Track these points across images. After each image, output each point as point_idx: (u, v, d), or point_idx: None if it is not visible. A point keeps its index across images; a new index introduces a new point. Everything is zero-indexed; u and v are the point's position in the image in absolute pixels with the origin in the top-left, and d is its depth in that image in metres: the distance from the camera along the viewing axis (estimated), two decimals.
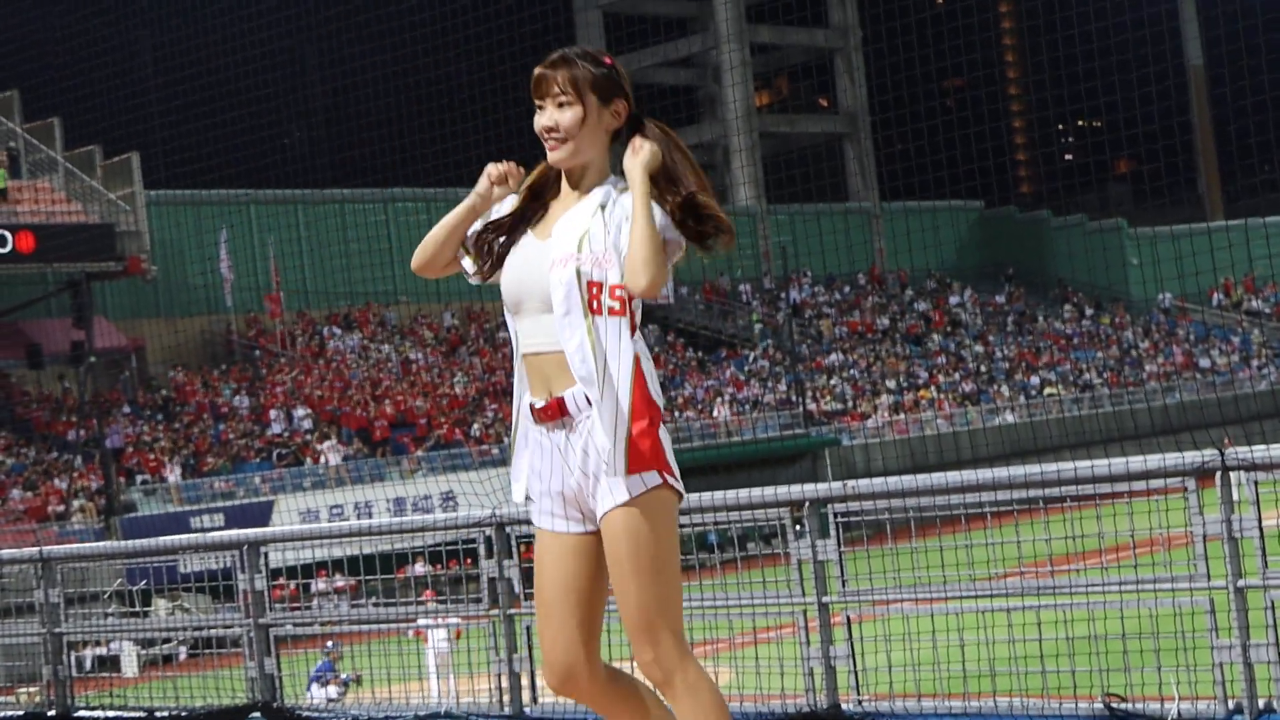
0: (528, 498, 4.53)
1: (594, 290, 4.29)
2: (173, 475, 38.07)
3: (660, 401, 4.38)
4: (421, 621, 10.67)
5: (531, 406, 4.41)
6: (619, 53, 68.10)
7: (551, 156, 4.40)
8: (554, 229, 4.38)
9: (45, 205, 39.76)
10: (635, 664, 4.37)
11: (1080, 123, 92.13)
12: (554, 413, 4.35)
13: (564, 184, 4.46)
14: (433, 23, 37.76)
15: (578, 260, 4.29)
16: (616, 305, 4.30)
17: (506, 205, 4.52)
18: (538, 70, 4.42)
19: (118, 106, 38.44)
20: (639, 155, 4.29)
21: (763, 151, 63.99)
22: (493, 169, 4.47)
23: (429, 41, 41.37)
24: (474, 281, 4.60)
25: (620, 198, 4.35)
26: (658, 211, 4.29)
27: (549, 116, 4.37)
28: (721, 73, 63.50)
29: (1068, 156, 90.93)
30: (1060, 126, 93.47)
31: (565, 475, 4.38)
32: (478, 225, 4.52)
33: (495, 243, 4.48)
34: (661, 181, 4.33)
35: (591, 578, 4.42)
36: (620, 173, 4.43)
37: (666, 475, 4.30)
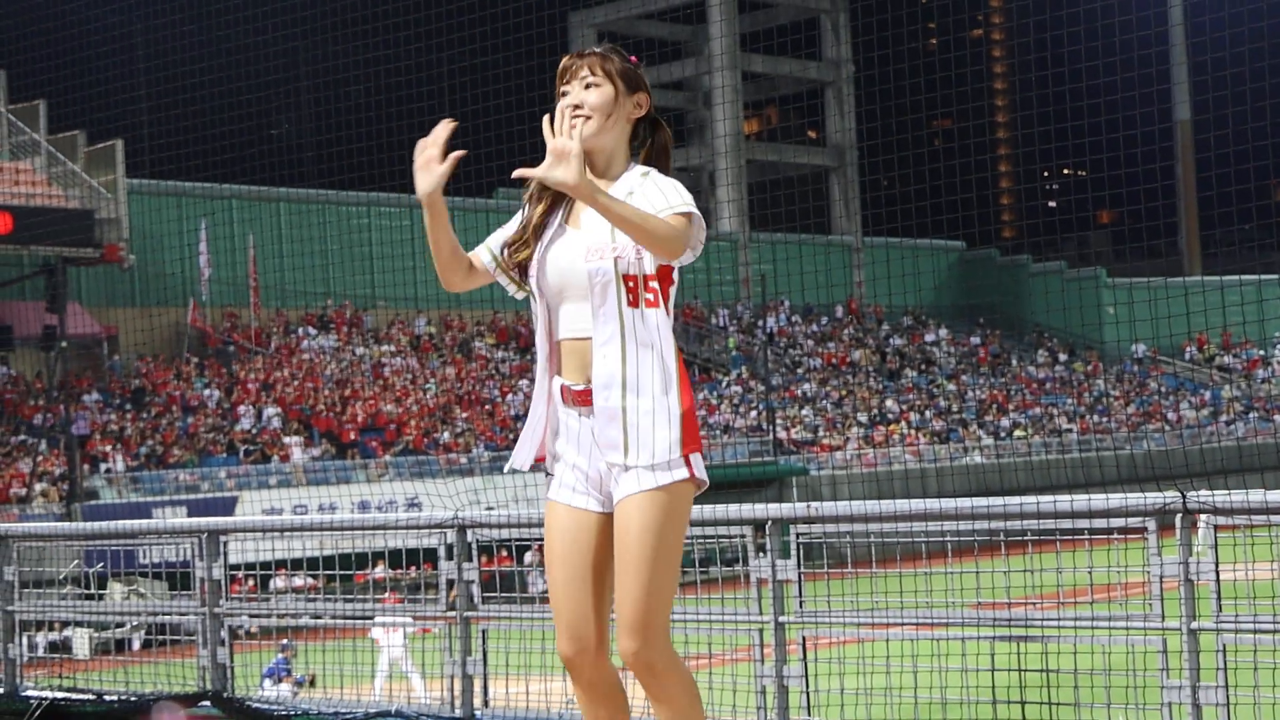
0: (546, 473, 4.54)
1: (630, 284, 4.34)
2: (114, 464, 37.89)
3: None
4: (377, 622, 10.65)
5: (565, 389, 4.44)
6: None
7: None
8: (583, 216, 4.42)
9: (25, 187, 39.61)
10: (619, 653, 4.38)
11: (1065, 170, 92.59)
12: (582, 398, 4.39)
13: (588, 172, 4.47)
14: (428, 35, 37.75)
15: (615, 250, 4.33)
16: (651, 297, 4.35)
17: (516, 220, 4.57)
18: (565, 60, 4.51)
19: (104, 92, 38.32)
20: (570, 169, 4.19)
21: (748, 179, 64.15)
22: (417, 159, 4.42)
23: (421, 47, 41.38)
24: (518, 296, 4.63)
25: (644, 184, 4.39)
26: (669, 182, 4.37)
27: (575, 96, 4.45)
28: (712, 98, 63.66)
29: (1051, 203, 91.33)
30: (1045, 173, 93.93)
31: (594, 457, 4.41)
32: (496, 241, 4.56)
33: (522, 255, 4.52)
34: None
35: (603, 556, 4.44)
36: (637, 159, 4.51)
37: (693, 467, 4.34)
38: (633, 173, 4.45)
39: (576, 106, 4.41)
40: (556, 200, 4.51)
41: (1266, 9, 36.73)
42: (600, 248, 4.34)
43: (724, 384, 52.57)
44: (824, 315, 60.20)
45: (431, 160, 4.41)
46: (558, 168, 4.20)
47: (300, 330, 47.54)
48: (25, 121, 40.99)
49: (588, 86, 4.44)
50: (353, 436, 41.57)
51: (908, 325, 61.60)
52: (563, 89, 4.48)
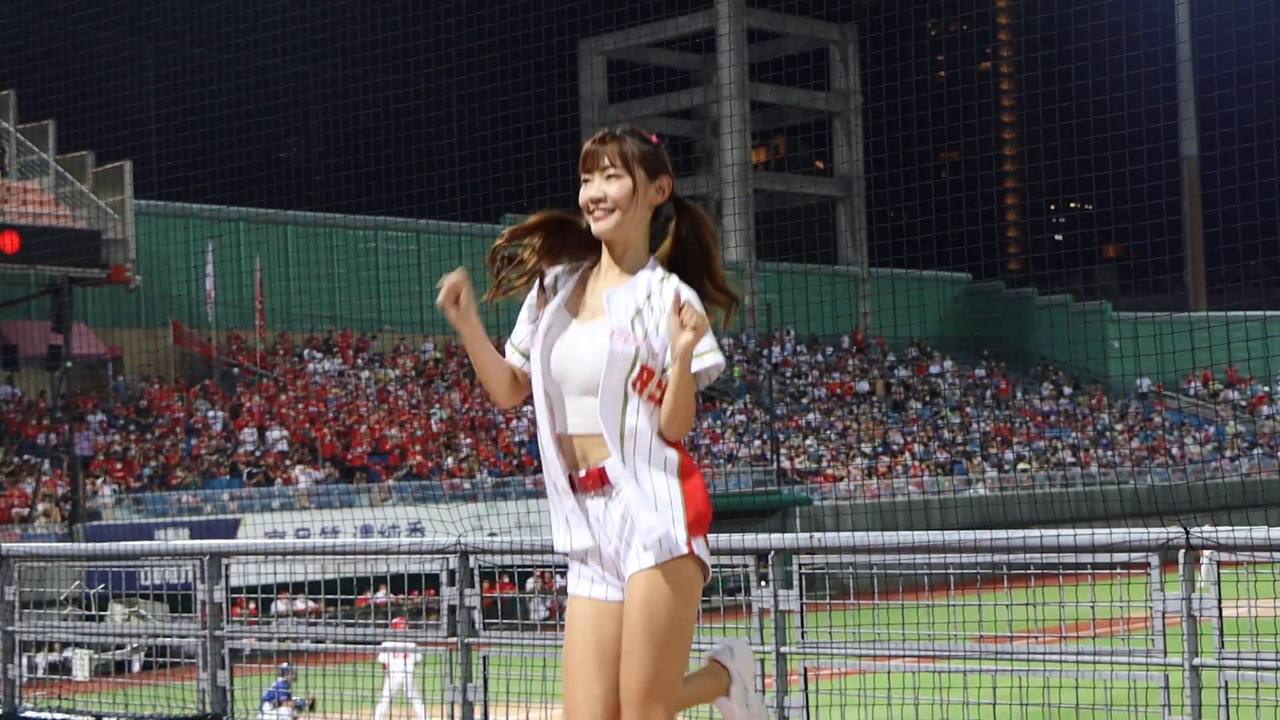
0: (570, 564, 4.55)
1: (645, 375, 4.35)
2: (121, 485, 37.89)
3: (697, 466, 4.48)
4: (385, 647, 10.64)
5: (572, 478, 4.44)
6: (620, 100, 68.58)
7: (597, 227, 4.44)
8: (607, 303, 4.41)
9: (33, 207, 39.69)
10: None
11: (1072, 204, 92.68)
12: (595, 481, 4.39)
13: (605, 258, 4.50)
14: (437, 61, 37.89)
15: (637, 341, 4.35)
16: (658, 394, 4.37)
17: (524, 319, 4.59)
18: (587, 145, 4.49)
19: (114, 113, 38.44)
20: (688, 334, 4.28)
21: (756, 208, 64.22)
22: (442, 299, 4.49)
23: (430, 73, 41.52)
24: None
25: (663, 287, 4.41)
26: (688, 291, 4.38)
27: (597, 188, 4.43)
28: (721, 127, 63.77)
29: (1057, 236, 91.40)
30: (1052, 206, 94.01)
31: (604, 541, 4.42)
32: (520, 340, 4.57)
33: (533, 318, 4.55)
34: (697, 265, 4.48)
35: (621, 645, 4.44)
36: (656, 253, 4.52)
37: (694, 547, 4.34)
38: (653, 273, 4.45)
39: (598, 200, 4.42)
40: (566, 283, 4.53)
41: (1275, 47, 36.79)
42: (623, 334, 4.35)
43: (728, 413, 52.54)
44: (829, 345, 60.19)
45: (454, 292, 4.47)
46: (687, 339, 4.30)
47: (305, 353, 47.57)
48: (34, 141, 41.09)
49: (609, 177, 4.43)
50: (357, 460, 41.57)
51: (913, 356, 61.57)
52: (584, 176, 4.47)
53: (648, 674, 4.29)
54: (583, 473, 4.40)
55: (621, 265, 4.46)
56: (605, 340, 4.35)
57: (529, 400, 4.54)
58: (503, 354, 4.60)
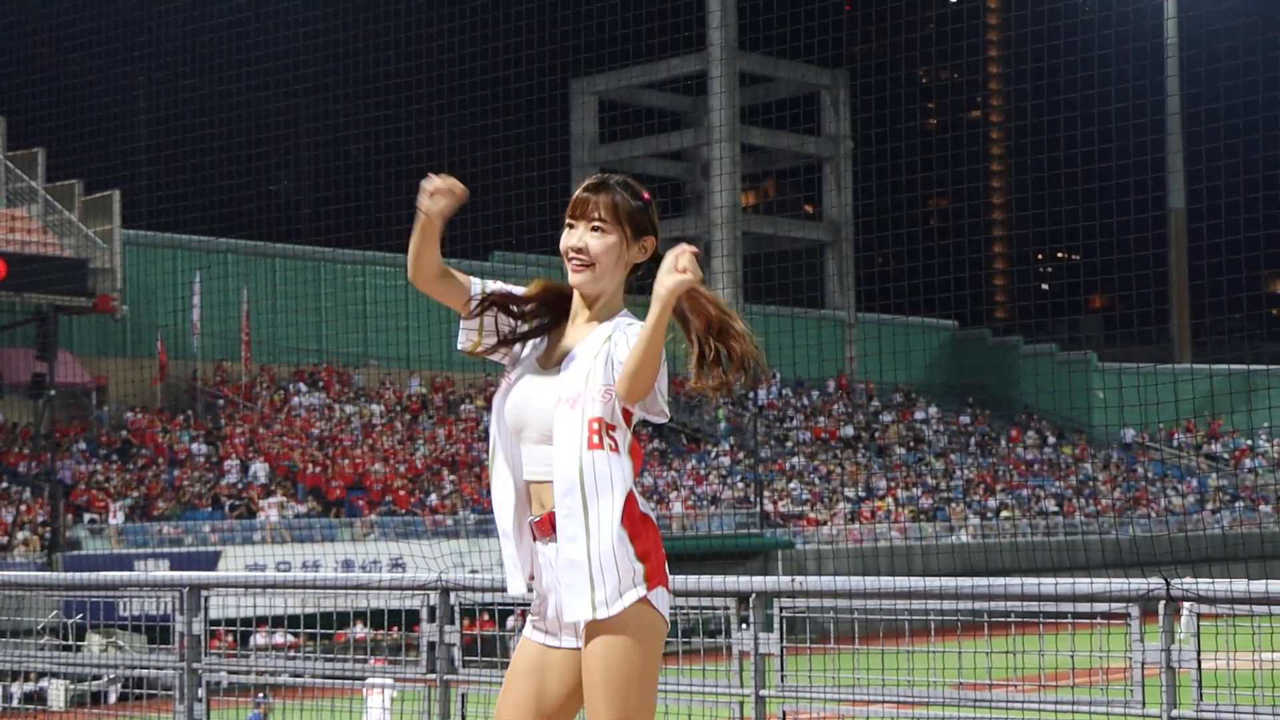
0: (528, 606, 4.53)
1: (594, 426, 4.30)
2: (115, 518, 37.75)
3: (652, 515, 4.40)
4: (370, 683, 10.59)
5: (532, 524, 4.43)
6: (611, 140, 68.80)
7: (573, 278, 4.42)
8: (565, 364, 4.38)
9: (21, 234, 39.66)
10: None
11: (1059, 254, 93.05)
12: (546, 527, 4.37)
13: (576, 301, 4.45)
14: (428, 97, 38.01)
15: (584, 400, 4.30)
16: (614, 443, 4.31)
17: (517, 292, 4.56)
18: (579, 192, 4.43)
19: (104, 142, 38.46)
20: (676, 276, 4.11)
21: (744, 250, 64.37)
22: (427, 186, 4.45)
23: (422, 109, 41.62)
24: (461, 347, 4.59)
25: (629, 330, 4.33)
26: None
27: (579, 238, 4.39)
28: (710, 169, 63.98)
29: (1044, 286, 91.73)
30: (1039, 255, 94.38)
31: (551, 590, 4.41)
32: (496, 286, 4.53)
33: (507, 326, 4.51)
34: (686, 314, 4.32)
35: (563, 698, 4.42)
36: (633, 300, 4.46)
37: (651, 599, 4.29)
38: (625, 318, 4.41)
39: (579, 250, 4.39)
40: (545, 329, 4.51)
41: (1263, 102, 37.06)
42: (574, 398, 4.31)
43: (712, 455, 52.53)
44: (815, 389, 60.24)
45: (442, 196, 4.45)
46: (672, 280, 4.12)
47: (290, 386, 47.50)
48: (23, 169, 41.10)
49: (594, 229, 4.38)
50: (339, 494, 41.47)
51: (898, 402, 61.64)
52: (570, 221, 4.43)
53: None
54: (536, 517, 4.39)
55: (592, 312, 4.43)
56: (554, 404, 4.32)
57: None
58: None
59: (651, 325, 4.13)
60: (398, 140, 43.05)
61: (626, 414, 4.36)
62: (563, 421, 4.29)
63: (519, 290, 4.56)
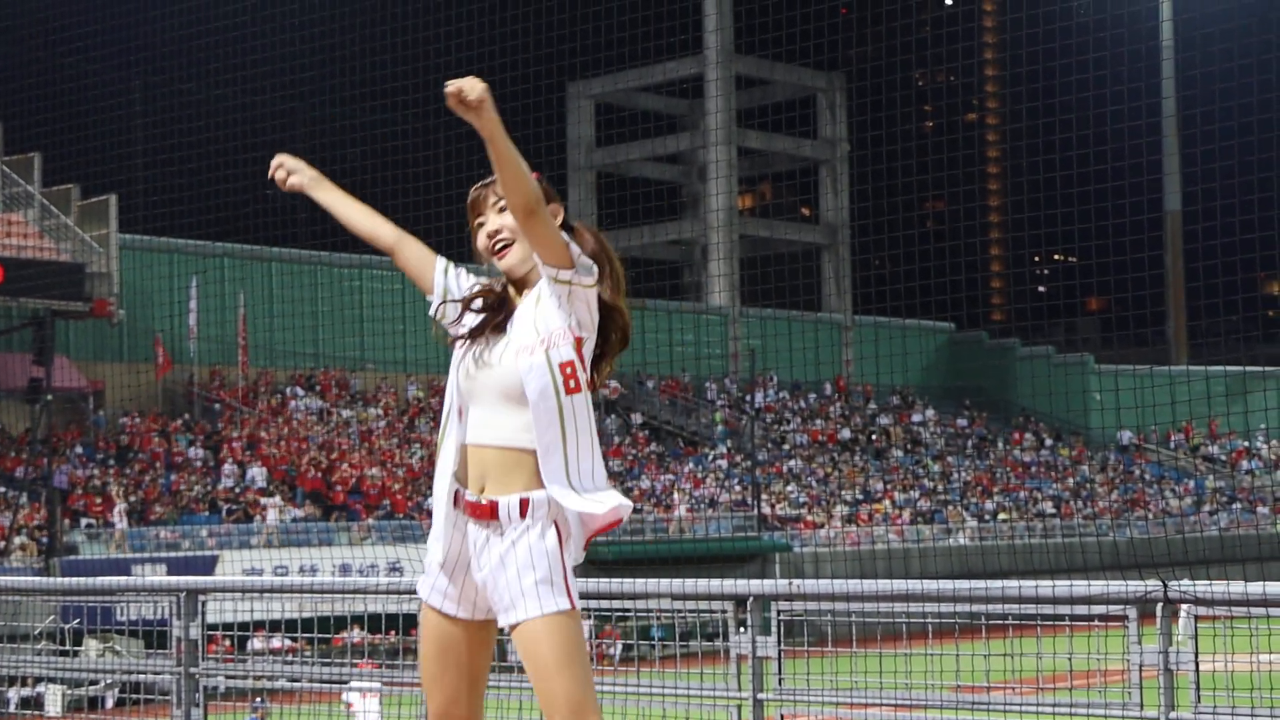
0: (427, 567, 4.60)
1: (567, 370, 4.36)
2: (120, 521, 37.73)
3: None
4: (352, 687, 10.58)
5: (458, 495, 4.46)
6: (608, 143, 68.81)
7: (504, 264, 4.53)
8: (508, 328, 4.47)
9: (17, 239, 39.63)
10: None
11: (1056, 256, 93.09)
12: (485, 515, 4.40)
13: (511, 291, 4.57)
14: (424, 102, 38.02)
15: (545, 344, 4.35)
16: (583, 379, 4.39)
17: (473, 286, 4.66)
18: (472, 193, 4.62)
19: (100, 147, 38.45)
20: (472, 82, 4.34)
21: (741, 254, 64.38)
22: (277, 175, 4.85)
23: (418, 113, 41.63)
24: (431, 308, 4.67)
25: (546, 275, 4.44)
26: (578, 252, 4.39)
27: (493, 222, 4.53)
28: (707, 172, 63.98)
29: (1041, 288, 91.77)
30: (1036, 258, 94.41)
31: (475, 569, 4.44)
32: (458, 277, 4.64)
33: (471, 307, 4.58)
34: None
35: (475, 656, 4.53)
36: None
37: (573, 596, 4.39)
38: (543, 281, 4.49)
39: (497, 233, 4.52)
40: (493, 310, 4.57)
41: (1258, 104, 37.10)
42: (530, 345, 4.38)
43: (710, 458, 52.51)
44: (812, 392, 60.24)
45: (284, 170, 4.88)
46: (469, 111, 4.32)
47: (288, 390, 47.48)
48: (20, 173, 41.08)
49: (500, 210, 4.53)
50: (337, 499, 41.44)
51: (895, 405, 61.64)
52: (477, 220, 4.57)
53: (574, 694, 4.31)
54: (473, 497, 4.41)
55: (525, 288, 4.52)
56: (512, 357, 4.39)
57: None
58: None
59: (489, 135, 4.33)
60: (394, 144, 43.05)
61: (579, 342, 4.41)
62: (529, 371, 4.35)
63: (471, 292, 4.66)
